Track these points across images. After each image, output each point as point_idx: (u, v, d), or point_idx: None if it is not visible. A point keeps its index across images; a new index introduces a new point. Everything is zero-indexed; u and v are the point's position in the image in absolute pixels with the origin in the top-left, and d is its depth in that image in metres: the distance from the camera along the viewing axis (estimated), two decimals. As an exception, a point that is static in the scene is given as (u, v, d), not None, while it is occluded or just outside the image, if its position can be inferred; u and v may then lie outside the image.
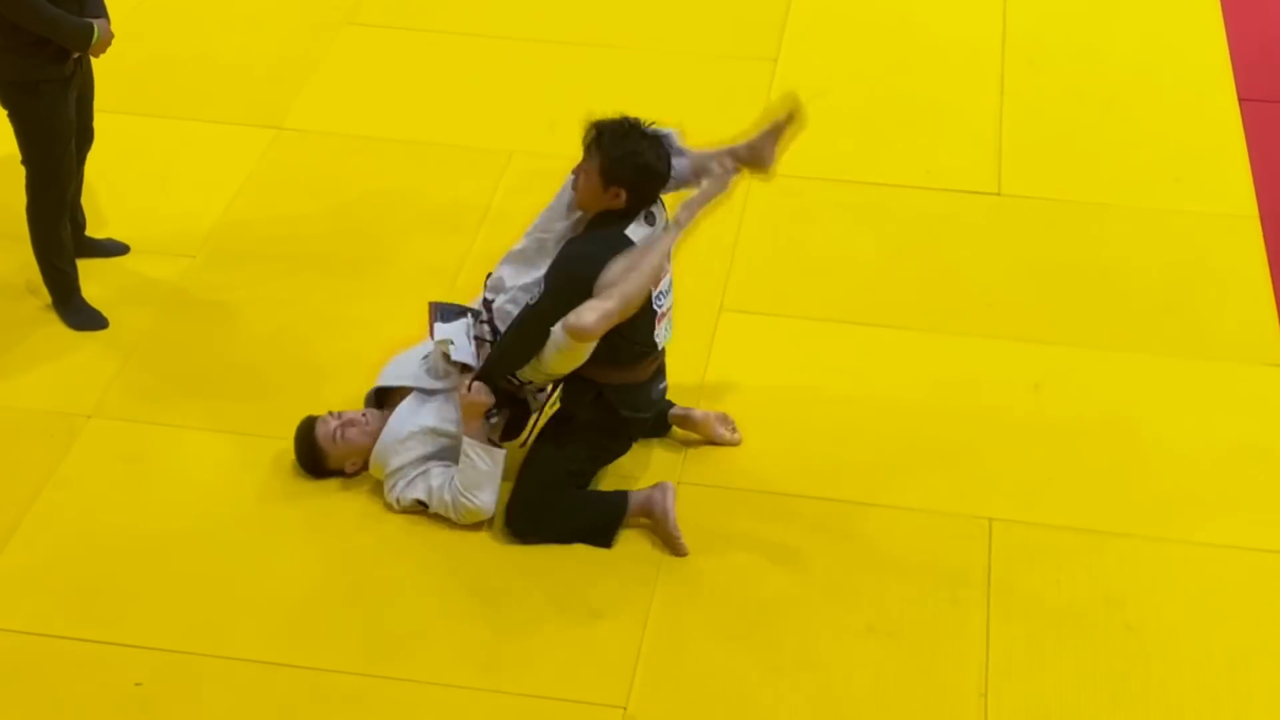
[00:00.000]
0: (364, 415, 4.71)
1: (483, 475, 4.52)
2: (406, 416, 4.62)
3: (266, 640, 4.37)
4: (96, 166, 6.00)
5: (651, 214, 4.49)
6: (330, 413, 4.73)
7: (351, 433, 4.67)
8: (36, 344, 5.27)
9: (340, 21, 6.83)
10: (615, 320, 4.30)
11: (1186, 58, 6.69)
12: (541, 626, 4.42)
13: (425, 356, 4.72)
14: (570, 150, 6.09)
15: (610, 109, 6.30)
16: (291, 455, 4.81)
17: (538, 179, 5.98)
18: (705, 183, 4.52)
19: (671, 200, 4.57)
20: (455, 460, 4.60)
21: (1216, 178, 6.04)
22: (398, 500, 4.64)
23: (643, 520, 4.64)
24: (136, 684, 4.26)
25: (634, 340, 4.49)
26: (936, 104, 6.42)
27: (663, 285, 4.50)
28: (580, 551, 4.60)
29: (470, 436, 4.52)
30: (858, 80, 6.54)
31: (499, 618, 4.44)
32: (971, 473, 4.87)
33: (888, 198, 5.94)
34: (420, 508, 4.64)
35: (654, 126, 4.46)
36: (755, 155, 4.57)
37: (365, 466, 4.72)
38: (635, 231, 4.44)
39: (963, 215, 5.86)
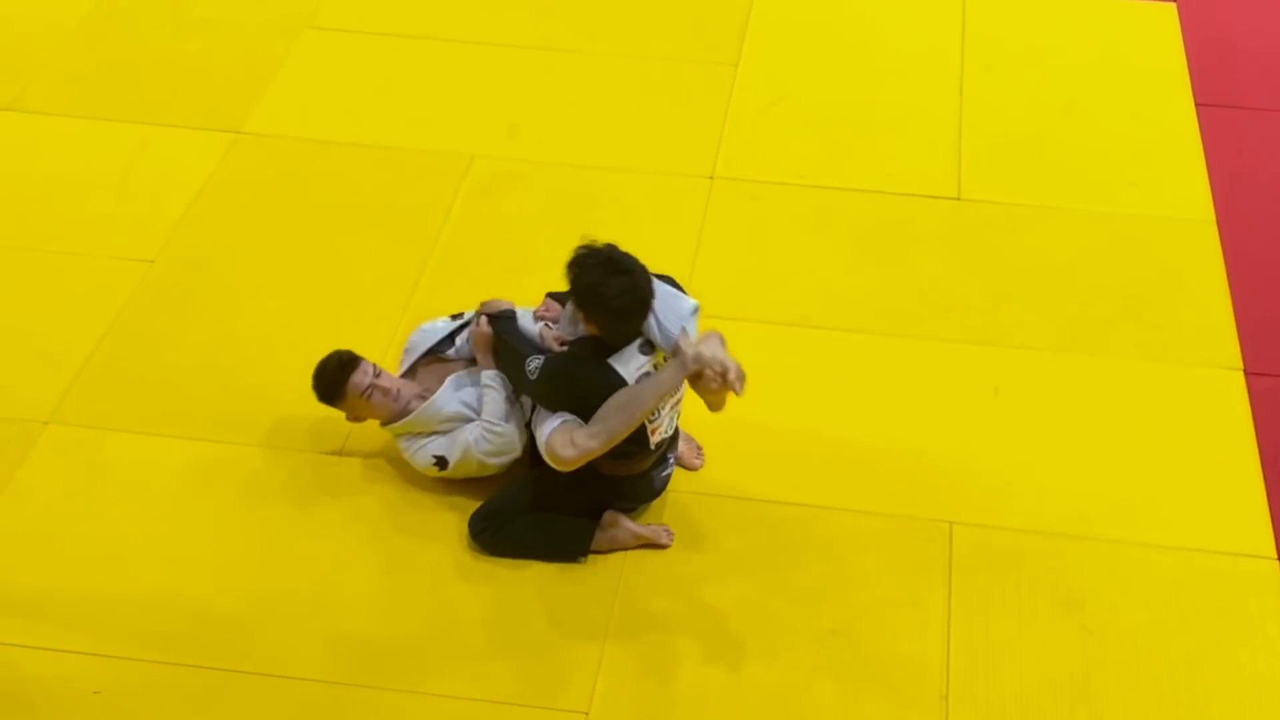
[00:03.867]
0: (395, 389, 4.74)
1: (506, 402, 4.64)
2: (449, 395, 4.71)
3: (225, 648, 4.35)
4: (55, 170, 5.99)
5: (649, 344, 4.44)
6: (372, 365, 4.75)
7: (377, 397, 4.73)
8: (-7, 349, 5.24)
9: (300, 25, 6.80)
10: (596, 455, 4.35)
11: (1144, 63, 6.73)
12: (503, 633, 4.42)
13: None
14: (531, 154, 6.14)
15: (572, 113, 6.35)
16: (249, 460, 4.82)
17: (498, 183, 5.99)
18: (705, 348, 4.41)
19: None
20: None
21: (1174, 182, 6.08)
22: (414, 457, 4.71)
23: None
24: (95, 692, 4.23)
25: (626, 439, 4.41)
26: (896, 109, 6.43)
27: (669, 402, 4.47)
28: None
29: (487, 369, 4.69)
30: (818, 85, 6.56)
31: (461, 624, 4.44)
32: (932, 476, 4.88)
33: (848, 202, 5.95)
34: (435, 469, 4.69)
35: (630, 262, 4.32)
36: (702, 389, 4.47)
37: (360, 420, 4.79)
38: (628, 362, 4.39)
39: (922, 220, 5.88)
